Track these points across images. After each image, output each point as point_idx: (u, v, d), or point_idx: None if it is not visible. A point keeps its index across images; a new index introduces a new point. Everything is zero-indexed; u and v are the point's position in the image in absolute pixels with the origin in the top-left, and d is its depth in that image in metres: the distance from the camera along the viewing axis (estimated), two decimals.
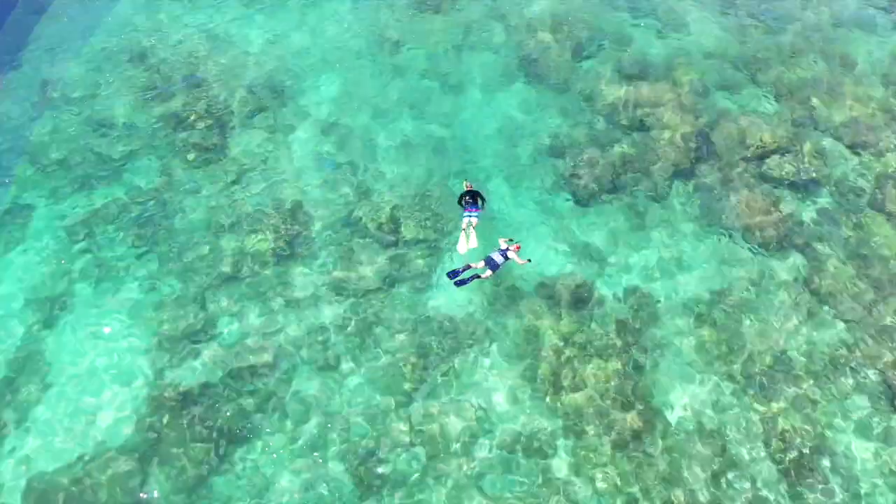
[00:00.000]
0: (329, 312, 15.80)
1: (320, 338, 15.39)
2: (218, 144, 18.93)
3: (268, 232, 16.98)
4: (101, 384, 14.68)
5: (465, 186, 16.62)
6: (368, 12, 22.35)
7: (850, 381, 14.93)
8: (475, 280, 15.22)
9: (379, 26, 21.91)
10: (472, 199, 16.01)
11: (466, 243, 15.75)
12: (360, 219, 17.25)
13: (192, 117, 19.43)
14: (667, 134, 18.80)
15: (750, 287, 16.24)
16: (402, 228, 17.06)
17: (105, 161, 18.46)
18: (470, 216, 15.77)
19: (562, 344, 15.16)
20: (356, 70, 20.79)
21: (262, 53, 21.20)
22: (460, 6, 22.42)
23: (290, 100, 20.07)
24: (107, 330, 15.40)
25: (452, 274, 15.33)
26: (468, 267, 15.19)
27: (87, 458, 13.63)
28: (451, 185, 17.77)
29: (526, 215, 17.54)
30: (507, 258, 14.81)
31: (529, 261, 14.99)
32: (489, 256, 14.90)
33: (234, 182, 18.09)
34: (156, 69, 20.65)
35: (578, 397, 14.47)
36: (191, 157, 18.63)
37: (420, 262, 16.55)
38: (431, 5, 22.33)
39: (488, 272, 14.88)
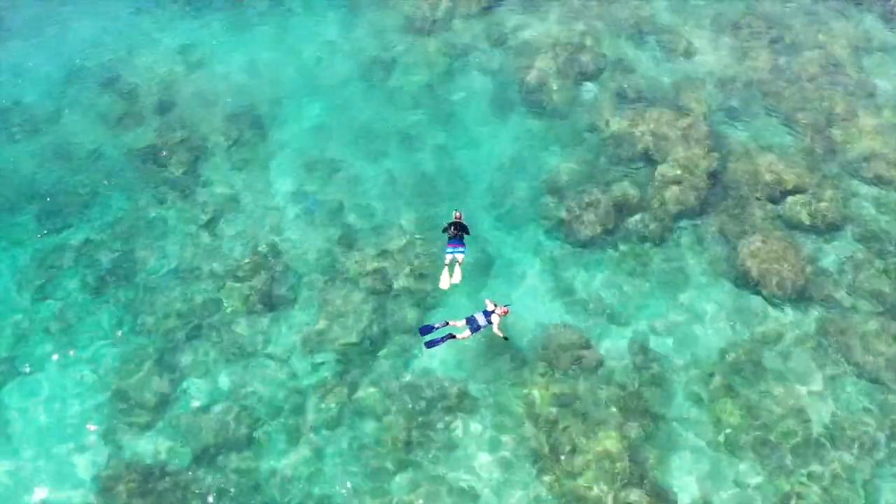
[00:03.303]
0: (307, 374, 14.45)
1: (297, 404, 14.04)
2: (191, 179, 17.59)
3: (243, 280, 15.62)
4: (51, 457, 13.33)
5: (454, 216, 15.19)
6: (356, 35, 20.87)
7: (882, 453, 13.56)
8: (451, 340, 13.71)
9: (368, 50, 20.46)
10: (458, 232, 14.61)
11: (450, 279, 14.43)
12: (344, 266, 15.89)
13: (165, 148, 18.06)
14: (674, 170, 17.37)
15: (767, 344, 14.86)
16: (389, 277, 15.68)
17: (68, 196, 17.10)
18: (454, 252, 14.39)
19: (559, 412, 13.79)
20: (342, 98, 19.38)
21: (241, 78, 19.78)
22: (455, 28, 20.95)
23: (270, 130, 18.69)
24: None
25: (425, 329, 13.91)
26: (446, 324, 13.80)
27: None
28: (441, 227, 16.32)
29: (520, 260, 16.19)
30: (489, 321, 13.40)
31: (507, 339, 13.61)
32: (472, 316, 13.53)
33: (207, 223, 16.73)
34: (126, 95, 19.27)
35: (577, 476, 13.07)
36: (161, 193, 17.26)
37: (407, 315, 15.19)
38: (424, 28, 20.87)
39: (467, 332, 13.47)
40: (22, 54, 20.02)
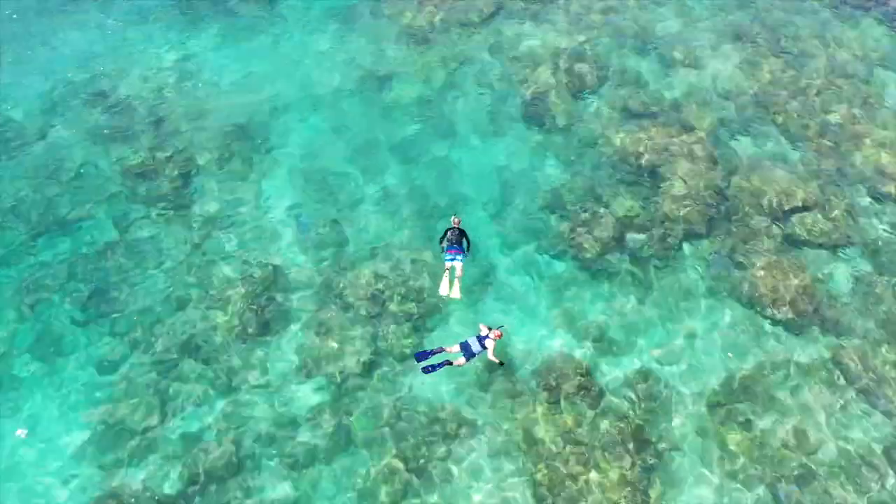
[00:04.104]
0: (301, 402, 13.98)
1: (290, 434, 13.57)
2: (182, 197, 17.14)
3: (235, 304, 15.14)
4: (37, 486, 12.87)
5: (452, 222, 14.83)
6: (352, 45, 20.41)
7: (890, 485, 13.08)
8: (448, 366, 13.33)
9: (364, 61, 19.98)
10: (457, 238, 14.20)
11: (449, 288, 14.15)
12: (339, 288, 15.42)
13: (156, 165, 17.57)
14: (678, 186, 16.89)
15: (774, 372, 14.36)
16: (385, 300, 15.21)
17: (54, 215, 16.65)
18: (453, 259, 14.02)
19: (561, 443, 13.32)
20: (338, 111, 18.90)
21: (234, 91, 19.31)
22: (454, 39, 20.46)
23: (264, 145, 18.22)
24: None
25: (421, 356, 13.58)
26: (441, 350, 13.45)
27: None
28: (437, 246, 15.86)
29: (518, 280, 15.70)
30: (484, 347, 13.00)
31: (502, 364, 13.16)
32: (465, 342, 13.20)
33: (198, 243, 16.27)
34: (116, 110, 18.81)
35: None
36: (152, 211, 16.80)
37: (404, 340, 14.70)
38: (422, 38, 20.38)
39: (462, 360, 13.10)
40: (9, 69, 19.56)
